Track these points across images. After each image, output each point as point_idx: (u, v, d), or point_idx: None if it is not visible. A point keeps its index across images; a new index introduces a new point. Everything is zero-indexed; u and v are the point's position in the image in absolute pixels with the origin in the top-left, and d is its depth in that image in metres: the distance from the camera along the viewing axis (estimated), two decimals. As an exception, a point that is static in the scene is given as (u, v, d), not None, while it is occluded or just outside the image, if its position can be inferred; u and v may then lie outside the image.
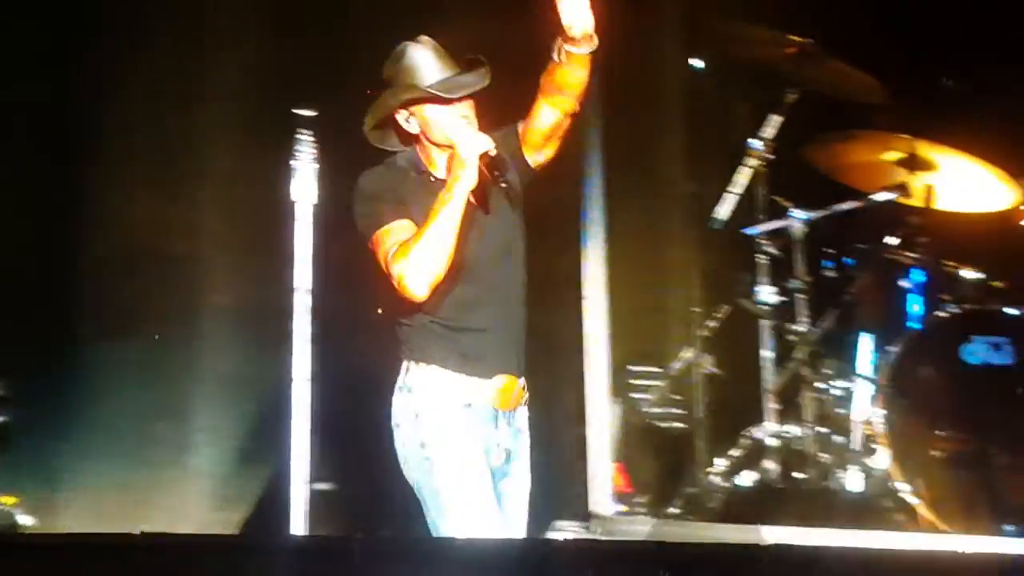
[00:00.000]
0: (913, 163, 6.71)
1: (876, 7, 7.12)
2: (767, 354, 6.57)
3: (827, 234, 6.86)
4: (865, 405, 6.33)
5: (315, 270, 5.71)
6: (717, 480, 6.28)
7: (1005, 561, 3.91)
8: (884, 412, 6.14)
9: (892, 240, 6.68)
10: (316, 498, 5.73)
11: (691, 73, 7.31)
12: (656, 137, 7.09)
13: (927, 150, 6.66)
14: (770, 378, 6.50)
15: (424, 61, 4.33)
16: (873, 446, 6.18)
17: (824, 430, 6.32)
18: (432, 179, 4.35)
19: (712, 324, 6.68)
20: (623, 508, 6.10)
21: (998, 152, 6.61)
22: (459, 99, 4.30)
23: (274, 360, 5.98)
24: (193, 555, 3.88)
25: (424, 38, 4.37)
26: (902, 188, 6.68)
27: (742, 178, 6.90)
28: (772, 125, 6.97)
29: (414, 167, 4.38)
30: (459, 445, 4.26)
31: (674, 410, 6.60)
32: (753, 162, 6.90)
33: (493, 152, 4.23)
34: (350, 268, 5.94)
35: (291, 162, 5.69)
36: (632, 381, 6.65)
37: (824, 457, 6.27)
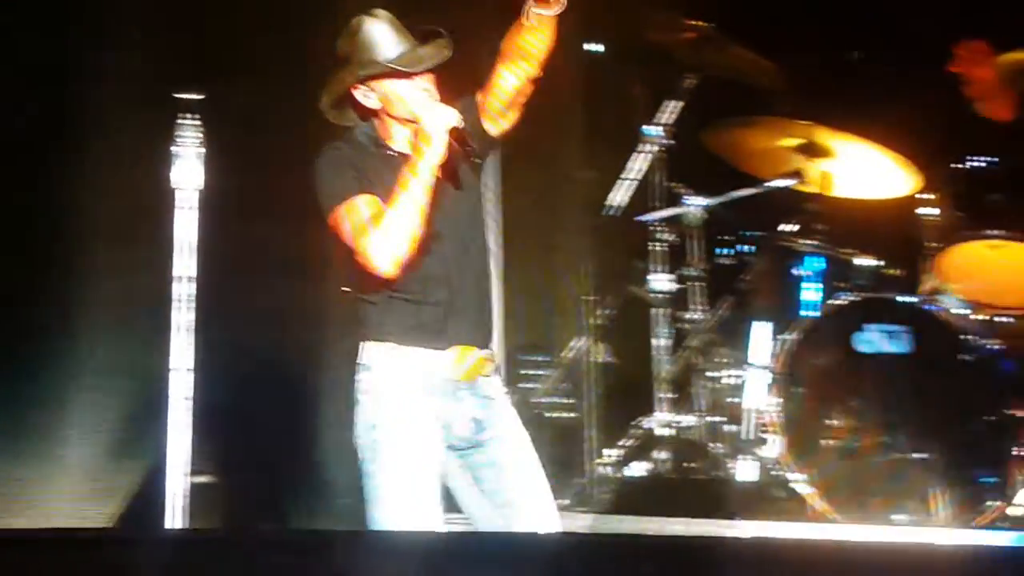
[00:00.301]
0: (811, 150, 6.77)
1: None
2: (660, 343, 6.60)
3: (724, 221, 6.92)
4: (758, 394, 6.38)
5: (199, 258, 5.63)
6: (607, 471, 6.30)
7: (896, 550, 3.98)
8: (777, 401, 6.19)
9: (789, 227, 6.75)
10: (196, 491, 5.64)
11: (588, 57, 7.33)
12: (550, 123, 7.09)
13: (825, 136, 6.72)
14: (663, 367, 6.53)
15: (381, 35, 4.34)
16: (765, 435, 6.23)
17: (717, 419, 6.36)
18: (391, 153, 4.37)
19: (605, 312, 6.69)
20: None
21: (897, 139, 6.70)
22: (419, 72, 4.30)
23: (154, 350, 5.88)
24: (66, 549, 3.81)
25: (380, 11, 4.38)
26: (799, 175, 6.74)
27: (638, 165, 6.93)
28: (670, 111, 7.01)
29: (373, 142, 4.40)
30: (408, 433, 4.28)
31: (564, 400, 6.61)
32: (650, 148, 6.93)
33: (461, 125, 4.24)
34: (235, 256, 5.87)
35: (173, 148, 5.60)
36: (522, 371, 6.65)
37: (716, 447, 6.31)
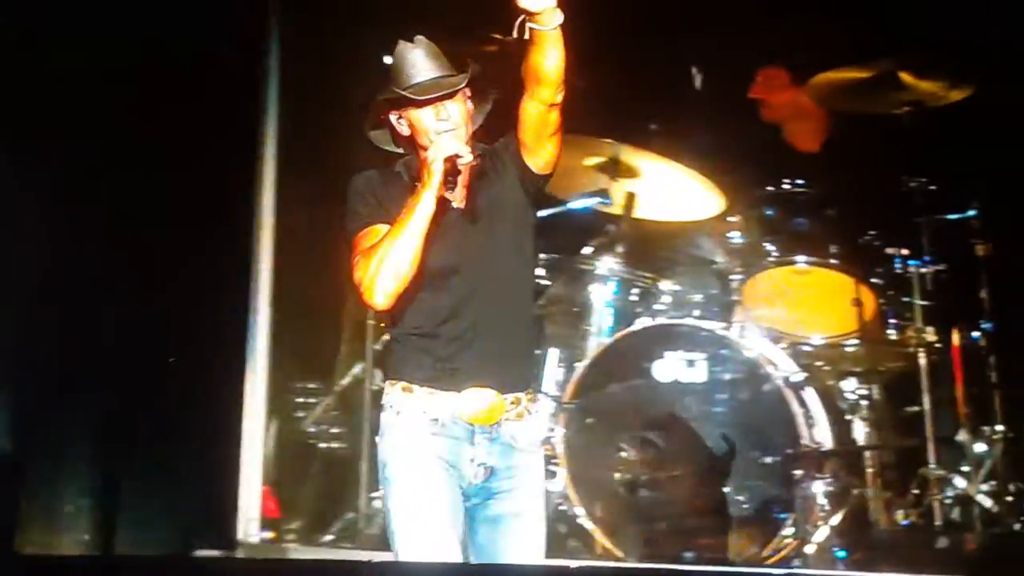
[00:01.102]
0: (616, 169, 6.80)
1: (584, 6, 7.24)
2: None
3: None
4: (546, 424, 6.30)
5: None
6: (379, 504, 6.12)
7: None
8: (563, 432, 6.12)
9: (587, 249, 6.73)
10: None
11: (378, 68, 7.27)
12: (331, 142, 7.00)
13: (630, 155, 6.75)
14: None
15: (410, 61, 4.40)
16: (552, 468, 6.14)
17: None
18: (416, 184, 4.37)
19: (386, 338, 6.55)
20: (270, 535, 5.90)
21: (703, 160, 6.76)
22: (437, 100, 4.34)
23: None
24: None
25: (419, 37, 4.43)
26: (606, 194, 6.74)
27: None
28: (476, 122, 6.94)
29: (408, 171, 4.46)
30: (416, 470, 4.31)
31: (337, 429, 6.44)
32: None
33: (466, 158, 4.28)
34: None
35: None
36: (295, 398, 6.48)
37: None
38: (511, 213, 4.43)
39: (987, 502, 6.13)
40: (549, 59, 4.23)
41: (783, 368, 6.30)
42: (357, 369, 6.42)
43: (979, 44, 7.13)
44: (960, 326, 6.54)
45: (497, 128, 4.51)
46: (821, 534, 6.01)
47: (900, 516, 6.12)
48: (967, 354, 6.48)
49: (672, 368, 6.28)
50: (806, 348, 6.51)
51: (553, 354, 6.53)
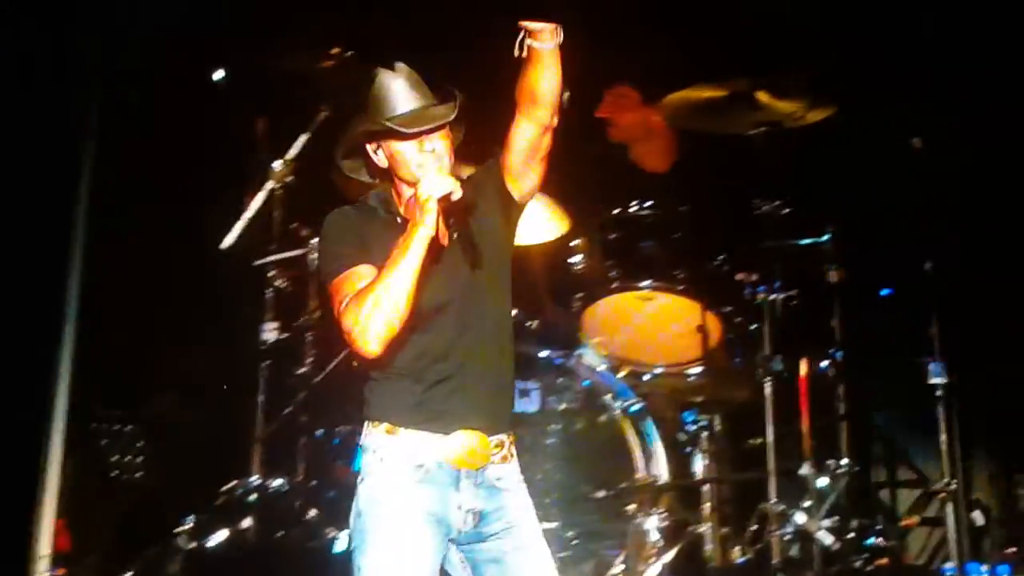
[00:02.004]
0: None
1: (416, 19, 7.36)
2: (262, 399, 6.49)
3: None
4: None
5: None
6: (183, 540, 6.10)
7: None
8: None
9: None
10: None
11: (210, 86, 7.30)
12: (155, 157, 7.00)
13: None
14: (261, 426, 6.42)
15: (391, 90, 4.39)
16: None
17: (315, 483, 6.25)
18: (399, 220, 4.39)
19: (202, 364, 6.55)
20: (60, 571, 5.84)
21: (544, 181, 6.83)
22: (423, 133, 4.33)
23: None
24: None
25: (400, 65, 4.43)
26: (439, 218, 6.78)
27: (258, 202, 6.86)
28: (298, 145, 6.99)
29: (384, 205, 4.45)
30: (396, 531, 4.26)
31: (141, 460, 6.41)
32: (272, 185, 6.89)
33: (457, 194, 4.26)
34: None
35: None
36: (99, 427, 6.44)
37: (312, 514, 6.20)
38: (492, 246, 4.44)
39: (827, 539, 6.23)
40: (547, 78, 4.27)
41: (623, 397, 6.37)
42: (163, 398, 6.39)
43: (838, 64, 7.33)
44: (809, 355, 6.67)
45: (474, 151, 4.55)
46: (652, 572, 6.07)
47: (736, 553, 6.21)
48: (815, 384, 6.60)
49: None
50: (647, 376, 6.59)
51: (378, 382, 6.53)
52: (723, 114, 6.85)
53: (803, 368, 6.61)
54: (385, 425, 4.37)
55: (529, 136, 4.36)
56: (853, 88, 7.05)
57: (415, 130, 4.34)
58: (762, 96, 6.81)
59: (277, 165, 6.92)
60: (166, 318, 6.71)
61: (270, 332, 6.58)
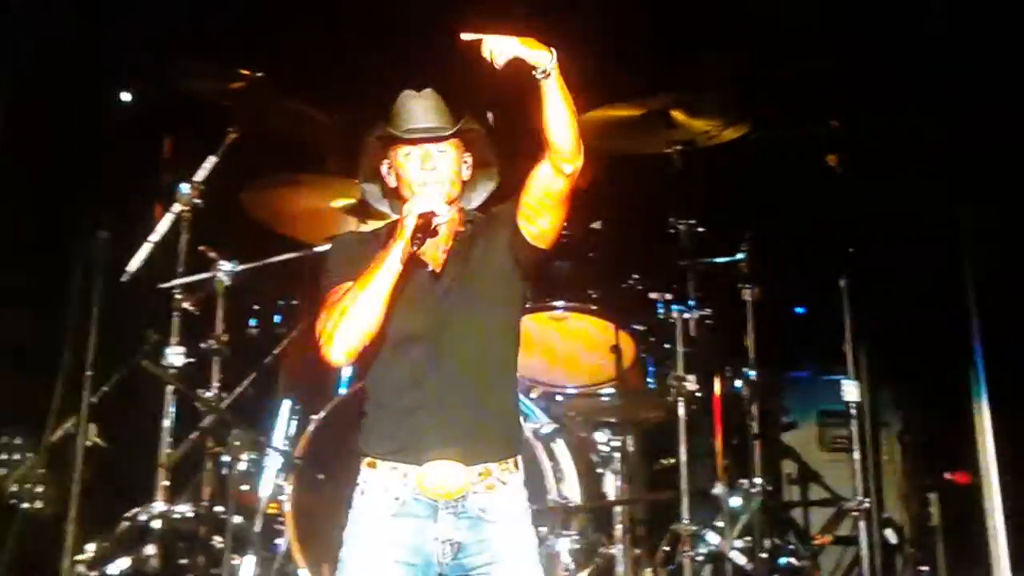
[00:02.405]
0: (365, 211, 6.86)
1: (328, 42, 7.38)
2: (168, 424, 6.45)
3: (256, 289, 6.89)
4: (274, 481, 6.31)
5: None
6: (83, 569, 6.04)
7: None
8: (292, 489, 6.11)
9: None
10: None
11: (115, 107, 7.28)
12: (58, 178, 6.96)
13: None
14: (166, 451, 6.37)
15: (410, 108, 4.48)
16: (280, 527, 6.13)
17: (221, 510, 6.21)
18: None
19: (106, 389, 6.49)
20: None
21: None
22: (421, 141, 4.43)
23: None
24: None
25: (428, 90, 4.52)
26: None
27: (164, 225, 6.82)
28: (206, 167, 6.96)
29: (389, 231, 4.49)
30: (365, 559, 4.35)
31: (42, 488, 6.34)
32: (179, 208, 6.85)
33: (443, 216, 4.35)
34: None
35: None
36: (-1, 453, 6.38)
37: (218, 541, 6.17)
38: (493, 282, 4.46)
39: (740, 559, 6.26)
40: (550, 115, 4.27)
41: (533, 419, 6.37)
42: (70, 424, 6.33)
43: (753, 83, 7.40)
44: (722, 375, 6.71)
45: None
46: (565, 595, 6.08)
47: (648, 574, 6.21)
48: (728, 404, 6.64)
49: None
50: (560, 397, 6.60)
51: (286, 406, 6.54)
52: (638, 133, 6.88)
53: (717, 387, 6.66)
54: (368, 459, 4.46)
55: (543, 178, 4.38)
56: (768, 106, 7.11)
57: (412, 136, 4.43)
58: (677, 115, 6.84)
59: (184, 187, 6.88)
60: (69, 341, 6.65)
61: (176, 356, 6.54)
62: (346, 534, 4.43)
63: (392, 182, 4.52)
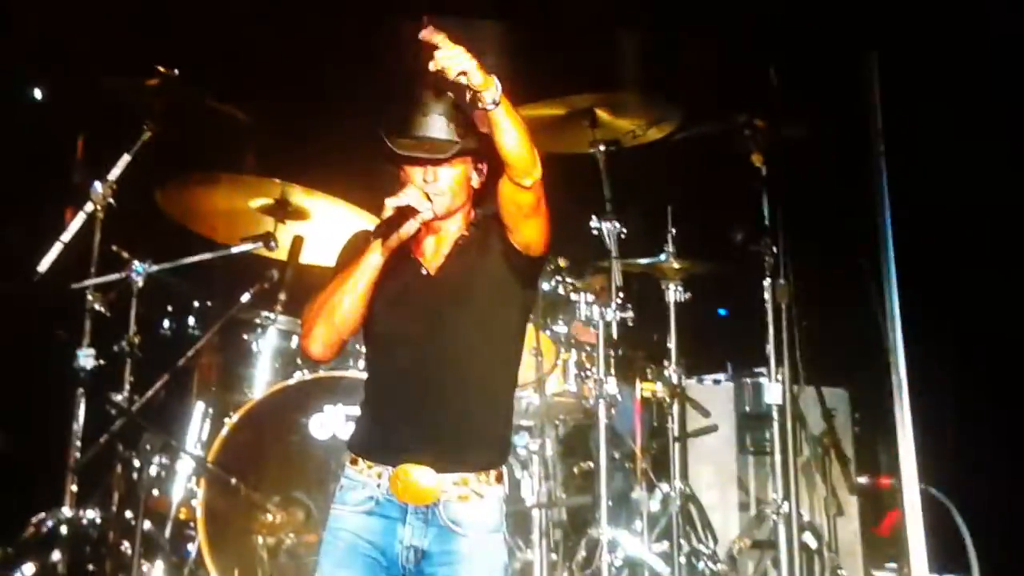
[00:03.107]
0: (283, 211, 6.87)
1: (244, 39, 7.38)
2: (77, 427, 6.42)
3: (169, 290, 6.87)
4: (185, 485, 6.31)
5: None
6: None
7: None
8: (203, 494, 6.10)
9: (246, 297, 6.74)
10: None
11: (26, 103, 7.25)
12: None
13: (299, 196, 6.82)
14: (74, 455, 6.35)
15: (420, 113, 4.54)
16: (191, 532, 6.13)
17: (130, 515, 6.20)
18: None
19: (13, 391, 6.47)
20: None
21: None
22: (413, 161, 4.49)
23: None
24: None
25: (446, 97, 4.55)
26: (267, 238, 6.77)
27: (76, 224, 6.79)
28: (120, 165, 6.93)
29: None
30: (339, 555, 4.42)
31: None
32: (91, 207, 6.82)
33: (424, 214, 4.42)
34: None
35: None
36: None
37: (126, 546, 6.15)
38: (490, 289, 4.51)
39: (658, 564, 6.31)
40: (501, 139, 4.34)
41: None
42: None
43: (680, 82, 7.45)
44: (644, 376, 6.75)
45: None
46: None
47: (567, 579, 6.26)
48: (649, 406, 6.68)
49: (331, 423, 6.32)
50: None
51: (199, 409, 6.53)
52: (562, 132, 6.90)
53: (638, 390, 6.69)
54: (351, 455, 4.52)
55: (507, 193, 4.46)
56: (692, 106, 7.16)
57: (404, 153, 4.50)
58: (602, 114, 6.86)
59: (98, 186, 6.85)
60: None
61: (87, 358, 6.51)
62: (325, 529, 4.50)
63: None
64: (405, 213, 4.42)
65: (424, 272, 4.56)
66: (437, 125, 4.55)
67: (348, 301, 4.41)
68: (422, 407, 4.45)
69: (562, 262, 6.83)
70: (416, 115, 4.55)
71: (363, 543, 4.42)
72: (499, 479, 4.50)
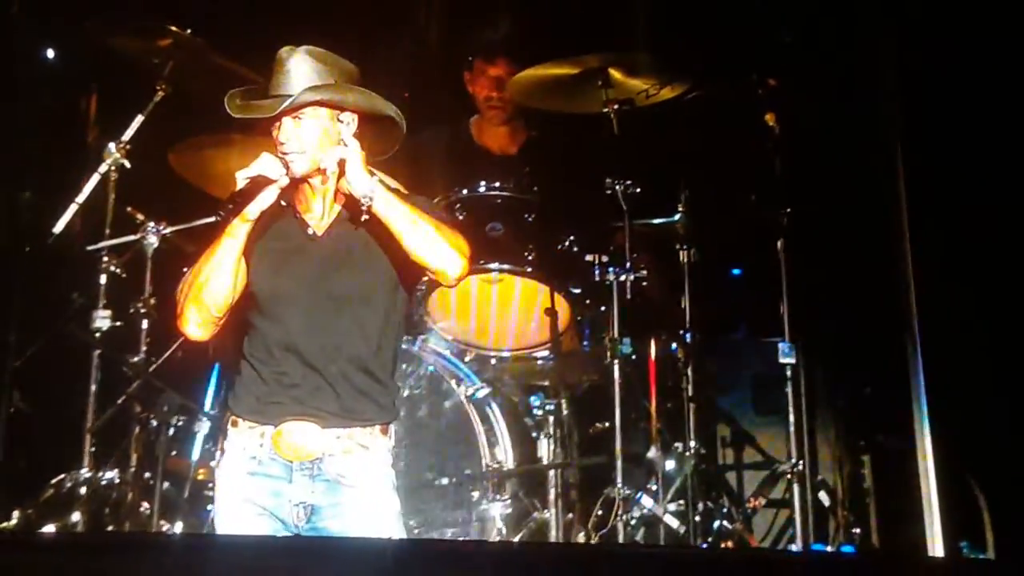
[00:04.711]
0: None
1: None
2: (94, 389, 6.48)
3: (190, 252, 6.89)
4: (203, 446, 6.36)
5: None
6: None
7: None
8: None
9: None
10: None
11: (40, 63, 7.26)
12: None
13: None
14: (92, 416, 6.41)
15: (285, 70, 4.55)
16: (209, 493, 6.18)
17: (149, 476, 6.25)
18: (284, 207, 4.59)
19: (29, 354, 6.51)
20: None
21: (389, 164, 6.86)
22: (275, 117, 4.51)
23: None
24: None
25: (313, 48, 4.60)
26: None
27: (90, 186, 6.83)
28: (134, 126, 6.96)
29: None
30: (230, 520, 4.47)
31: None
32: (105, 168, 6.86)
33: (280, 181, 4.42)
34: None
35: None
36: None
37: (145, 507, 6.22)
38: (373, 247, 4.55)
39: (674, 522, 6.36)
40: (401, 240, 4.48)
41: (467, 382, 6.43)
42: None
43: (693, 41, 7.44)
44: (657, 337, 6.78)
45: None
46: (497, 559, 6.13)
47: (581, 538, 6.29)
48: (663, 366, 6.71)
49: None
50: (493, 361, 6.65)
51: (216, 370, 6.56)
52: (574, 92, 6.90)
53: (652, 350, 6.72)
54: (232, 417, 4.56)
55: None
56: (705, 65, 7.16)
57: (237, 115, 4.60)
58: (614, 73, 6.86)
59: (111, 147, 6.88)
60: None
61: (102, 320, 6.56)
62: (215, 495, 4.57)
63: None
64: (259, 183, 4.42)
65: (311, 233, 4.59)
66: (292, 83, 4.55)
67: (216, 280, 4.42)
68: (309, 367, 4.50)
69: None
70: (276, 74, 4.59)
71: (254, 507, 4.49)
72: (384, 433, 4.58)
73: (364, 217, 4.45)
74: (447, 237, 4.50)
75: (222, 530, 4.52)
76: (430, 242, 4.46)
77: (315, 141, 4.50)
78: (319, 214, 4.61)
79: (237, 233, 4.41)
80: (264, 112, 4.49)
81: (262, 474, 4.49)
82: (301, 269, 4.54)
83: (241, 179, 4.41)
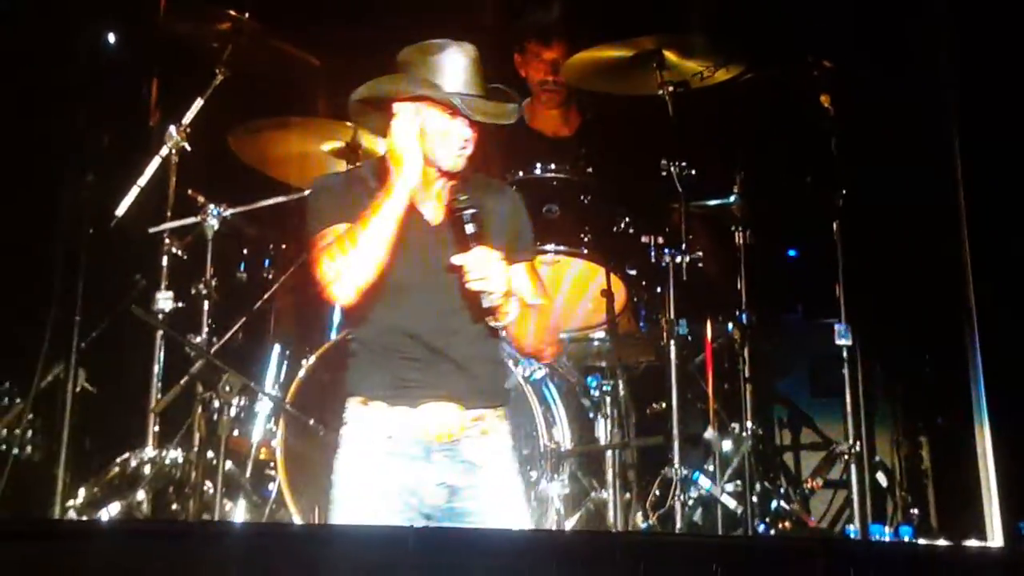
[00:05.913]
0: (354, 155, 6.91)
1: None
2: (157, 369, 6.53)
3: (246, 234, 6.95)
4: (266, 427, 6.40)
5: None
6: (74, 515, 6.14)
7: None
8: (283, 434, 6.20)
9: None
10: None
11: (99, 48, 7.28)
12: (48, 123, 6.99)
13: (371, 140, 6.85)
14: (155, 396, 6.46)
15: (459, 66, 4.61)
16: (271, 472, 6.23)
17: (211, 455, 6.30)
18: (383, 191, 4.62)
19: (95, 335, 6.56)
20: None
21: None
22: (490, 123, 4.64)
23: None
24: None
25: (469, 46, 4.63)
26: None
27: (151, 169, 6.88)
28: (194, 110, 7.01)
29: (375, 177, 4.68)
30: (360, 500, 4.49)
31: (32, 434, 6.44)
32: (166, 151, 6.90)
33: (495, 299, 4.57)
34: None
35: None
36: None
37: (208, 486, 6.26)
38: (490, 238, 4.62)
39: (731, 503, 6.35)
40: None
41: (524, 363, 6.43)
42: (59, 370, 6.40)
43: (748, 23, 7.41)
44: (714, 319, 6.77)
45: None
46: (554, 539, 6.14)
47: (639, 519, 6.30)
48: (720, 348, 6.70)
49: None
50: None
51: (276, 351, 6.61)
52: (630, 74, 6.88)
53: (708, 331, 6.71)
54: (359, 398, 4.61)
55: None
56: (761, 46, 7.13)
57: (487, 120, 4.63)
58: (669, 55, 6.84)
59: (172, 131, 6.93)
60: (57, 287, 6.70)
61: (165, 301, 6.61)
62: (337, 473, 4.57)
63: (408, 128, 4.62)
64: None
65: (428, 222, 4.69)
66: (478, 82, 4.66)
67: (374, 250, 4.51)
68: (438, 352, 4.59)
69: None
70: (459, 70, 4.64)
71: (387, 486, 4.52)
72: (505, 416, 4.72)
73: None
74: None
75: (347, 503, 4.55)
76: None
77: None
78: (434, 204, 4.70)
79: (399, 208, 4.55)
80: (501, 119, 4.66)
81: (398, 453, 4.53)
82: (424, 257, 4.64)
83: (413, 169, 4.48)
